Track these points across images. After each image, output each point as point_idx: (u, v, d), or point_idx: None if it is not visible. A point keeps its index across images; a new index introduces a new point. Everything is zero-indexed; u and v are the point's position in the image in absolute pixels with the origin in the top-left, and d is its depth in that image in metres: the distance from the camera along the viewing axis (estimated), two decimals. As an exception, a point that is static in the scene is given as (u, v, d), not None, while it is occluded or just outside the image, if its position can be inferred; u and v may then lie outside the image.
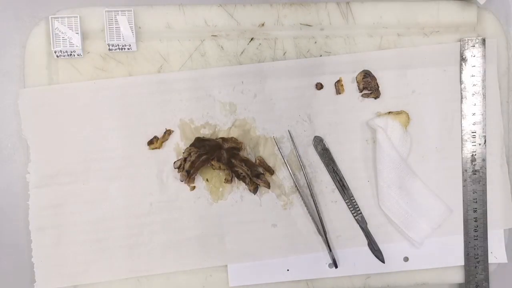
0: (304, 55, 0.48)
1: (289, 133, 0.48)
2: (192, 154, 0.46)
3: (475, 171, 0.49)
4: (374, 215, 0.49)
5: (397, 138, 0.47)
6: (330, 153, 0.48)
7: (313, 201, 0.48)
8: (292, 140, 0.48)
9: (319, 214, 0.48)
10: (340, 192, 0.49)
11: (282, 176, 0.48)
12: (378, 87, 0.48)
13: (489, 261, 0.49)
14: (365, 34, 0.48)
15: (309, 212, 0.48)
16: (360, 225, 0.49)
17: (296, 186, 0.48)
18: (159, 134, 0.47)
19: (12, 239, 0.48)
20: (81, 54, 0.46)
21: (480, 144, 0.49)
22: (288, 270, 0.48)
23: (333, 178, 0.48)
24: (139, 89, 0.47)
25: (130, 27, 0.46)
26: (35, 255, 0.47)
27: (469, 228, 0.49)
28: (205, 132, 0.48)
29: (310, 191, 0.48)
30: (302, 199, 0.48)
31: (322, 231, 0.48)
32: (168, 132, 0.47)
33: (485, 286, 0.49)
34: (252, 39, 0.48)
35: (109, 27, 0.46)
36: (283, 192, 0.48)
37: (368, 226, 0.49)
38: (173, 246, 0.48)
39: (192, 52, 0.48)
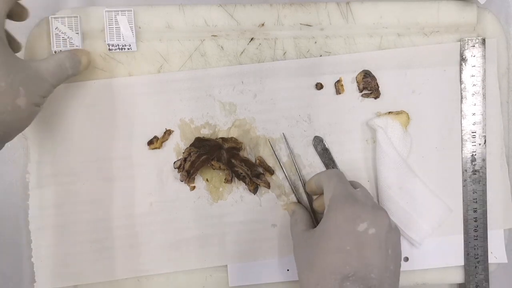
0: (304, 55, 0.48)
1: (284, 136, 0.48)
2: (192, 154, 0.46)
3: (475, 171, 0.49)
4: (374, 215, 0.49)
5: (397, 138, 0.47)
6: (330, 153, 0.48)
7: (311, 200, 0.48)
8: (287, 143, 0.48)
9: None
10: (340, 192, 0.49)
11: (282, 176, 0.48)
12: (378, 87, 0.48)
13: (489, 261, 0.49)
14: (365, 34, 0.48)
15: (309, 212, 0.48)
16: (360, 225, 0.49)
17: (292, 188, 0.48)
18: (159, 134, 0.47)
19: (12, 239, 0.48)
20: (81, 54, 0.46)
21: (480, 144, 0.49)
22: (288, 270, 0.48)
23: (333, 178, 0.49)
24: (139, 89, 0.47)
25: (130, 27, 0.46)
26: (35, 255, 0.47)
27: (469, 228, 0.49)
28: (205, 132, 0.48)
29: (305, 192, 0.48)
30: (297, 200, 0.48)
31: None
32: (168, 132, 0.47)
33: (485, 286, 0.49)
34: (252, 39, 0.48)
35: (109, 27, 0.46)
36: (283, 192, 0.48)
37: (368, 226, 0.49)
38: (173, 246, 0.48)
39: (192, 52, 0.48)
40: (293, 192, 0.48)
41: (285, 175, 0.48)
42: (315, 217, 0.47)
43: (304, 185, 0.48)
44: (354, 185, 0.43)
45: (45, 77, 0.39)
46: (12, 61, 0.36)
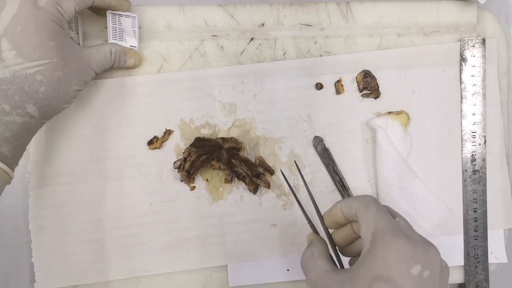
0: (304, 55, 0.48)
1: (296, 164, 0.45)
2: (192, 154, 0.46)
3: (475, 171, 0.49)
4: (374, 215, 0.49)
5: (397, 138, 0.47)
6: (330, 153, 0.48)
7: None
8: (299, 171, 0.44)
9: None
10: (340, 192, 0.48)
11: (282, 176, 0.48)
12: (378, 87, 0.48)
13: (489, 261, 0.49)
14: (365, 34, 0.48)
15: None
16: (360, 225, 0.48)
17: (307, 218, 0.42)
18: (159, 134, 0.47)
19: (12, 239, 0.48)
20: (81, 54, 0.46)
21: (480, 144, 0.49)
22: (288, 270, 0.48)
23: (333, 178, 0.48)
24: (139, 89, 0.47)
25: (133, 29, 0.45)
26: (35, 255, 0.47)
27: (469, 228, 0.49)
28: (205, 132, 0.48)
29: (321, 222, 0.41)
30: (314, 230, 0.42)
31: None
32: (168, 132, 0.47)
33: (485, 286, 0.49)
34: (252, 39, 0.48)
35: (112, 28, 0.45)
36: (283, 192, 0.48)
37: (368, 226, 0.49)
38: (173, 246, 0.48)
39: (192, 52, 0.48)
40: (308, 222, 0.41)
41: (302, 208, 0.42)
42: (334, 249, 0.40)
43: (318, 212, 0.40)
44: (388, 210, 0.36)
45: (92, 65, 0.43)
46: (72, 52, 0.40)
